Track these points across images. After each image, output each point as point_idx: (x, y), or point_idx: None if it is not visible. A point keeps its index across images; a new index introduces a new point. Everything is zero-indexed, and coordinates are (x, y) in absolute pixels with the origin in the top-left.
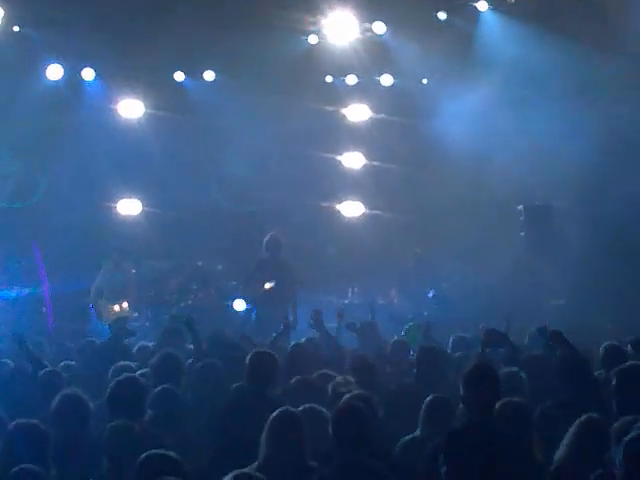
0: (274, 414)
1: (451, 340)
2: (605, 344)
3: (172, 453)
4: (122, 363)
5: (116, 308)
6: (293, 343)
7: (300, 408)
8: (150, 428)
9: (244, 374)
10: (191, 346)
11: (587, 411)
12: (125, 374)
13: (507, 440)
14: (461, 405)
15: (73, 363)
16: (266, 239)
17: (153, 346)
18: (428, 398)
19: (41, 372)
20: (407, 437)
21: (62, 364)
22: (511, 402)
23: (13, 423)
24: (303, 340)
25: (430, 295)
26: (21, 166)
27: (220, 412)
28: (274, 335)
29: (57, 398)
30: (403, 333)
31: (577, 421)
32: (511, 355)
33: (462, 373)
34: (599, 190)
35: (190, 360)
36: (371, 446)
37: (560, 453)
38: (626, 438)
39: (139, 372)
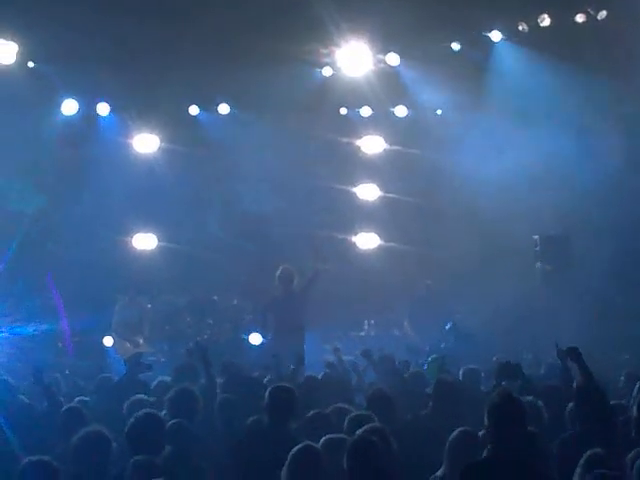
0: (295, 450)
1: (461, 372)
2: (625, 372)
3: None
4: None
5: (132, 343)
6: (306, 375)
7: (323, 439)
8: (170, 463)
9: (261, 408)
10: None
11: (601, 443)
12: (144, 410)
13: (528, 472)
14: (480, 434)
15: (88, 399)
16: (278, 272)
17: (170, 381)
18: (453, 434)
19: (63, 408)
20: (434, 476)
21: (77, 399)
22: (528, 433)
23: (25, 460)
24: (321, 374)
25: (447, 327)
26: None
27: (240, 446)
28: (291, 368)
29: (79, 434)
30: (425, 367)
31: (584, 456)
32: (524, 387)
33: (486, 404)
34: (616, 218)
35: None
36: (386, 478)
37: None
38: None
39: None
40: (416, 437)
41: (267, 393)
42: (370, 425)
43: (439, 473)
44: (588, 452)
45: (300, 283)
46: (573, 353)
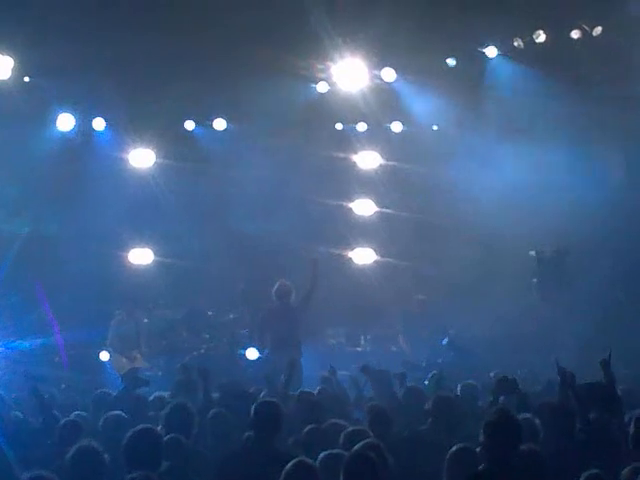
0: (289, 465)
1: (459, 388)
2: (621, 387)
3: None
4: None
5: (128, 358)
6: (302, 390)
7: (322, 455)
8: (167, 479)
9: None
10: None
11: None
12: (141, 425)
13: None
14: (477, 450)
15: (85, 414)
16: (275, 287)
17: (168, 396)
18: (452, 449)
19: (61, 423)
20: None
21: (75, 414)
22: (525, 450)
23: (24, 475)
24: (317, 389)
25: (444, 342)
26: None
27: (226, 462)
28: (283, 380)
29: (73, 450)
30: (426, 382)
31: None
32: (521, 403)
33: (483, 421)
34: (615, 233)
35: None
36: None
37: None
38: None
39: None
40: (415, 453)
41: (252, 408)
42: (366, 440)
43: None
44: (586, 474)
45: (297, 298)
46: (568, 379)
